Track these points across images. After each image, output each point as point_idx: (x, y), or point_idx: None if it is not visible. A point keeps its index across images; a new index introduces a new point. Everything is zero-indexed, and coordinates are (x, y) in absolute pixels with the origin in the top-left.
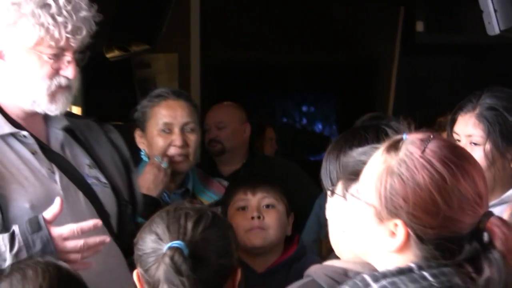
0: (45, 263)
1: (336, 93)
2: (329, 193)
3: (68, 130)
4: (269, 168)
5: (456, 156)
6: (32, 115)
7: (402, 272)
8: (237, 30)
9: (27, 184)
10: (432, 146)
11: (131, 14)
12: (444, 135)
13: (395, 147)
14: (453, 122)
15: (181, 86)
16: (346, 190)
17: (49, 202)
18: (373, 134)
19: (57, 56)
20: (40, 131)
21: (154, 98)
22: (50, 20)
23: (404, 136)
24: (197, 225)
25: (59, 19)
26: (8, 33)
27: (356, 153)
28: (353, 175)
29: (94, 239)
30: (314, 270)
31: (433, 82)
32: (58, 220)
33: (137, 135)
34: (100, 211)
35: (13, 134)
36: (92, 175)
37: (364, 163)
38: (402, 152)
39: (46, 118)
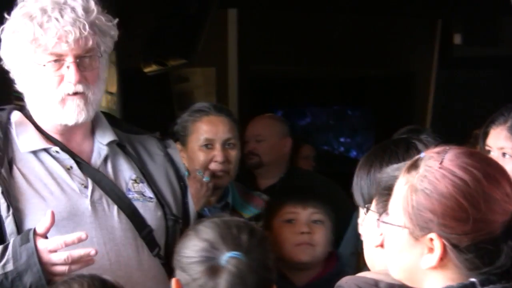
0: (90, 277)
1: (373, 107)
2: (364, 209)
3: (119, 145)
4: (307, 183)
5: (475, 161)
6: (71, 131)
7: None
8: (275, 44)
9: (51, 199)
10: (449, 156)
11: (168, 29)
12: (478, 148)
13: (415, 166)
14: (485, 135)
15: (219, 100)
16: (380, 206)
17: (72, 216)
18: (404, 149)
19: (58, 63)
20: (81, 146)
21: (195, 113)
22: (38, 29)
23: (422, 154)
24: (252, 237)
25: (45, 25)
26: (13, 53)
27: (390, 169)
28: (386, 191)
29: (78, 252)
30: (345, 281)
31: (471, 94)
32: (85, 231)
33: (172, 145)
34: (140, 226)
35: (45, 150)
36: (135, 189)
37: (397, 178)
38: (422, 169)
39: (92, 133)
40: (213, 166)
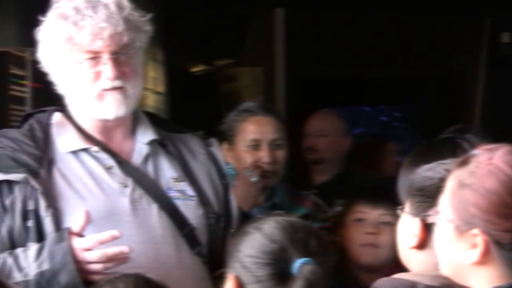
0: (135, 276)
1: (420, 106)
2: (398, 210)
3: (160, 143)
4: (358, 181)
5: None
6: (112, 130)
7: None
8: (322, 44)
9: (90, 198)
10: (499, 153)
11: (215, 29)
12: None
13: (465, 162)
14: None
15: (266, 100)
16: (414, 208)
17: (111, 216)
18: (449, 148)
19: (94, 60)
20: (121, 145)
21: (243, 113)
22: (72, 28)
23: (475, 151)
24: (319, 242)
25: (80, 24)
26: (50, 53)
27: (422, 170)
28: (419, 192)
29: (113, 250)
30: (382, 283)
31: None
32: (122, 231)
33: (224, 149)
34: (180, 224)
35: (85, 150)
36: (177, 188)
37: (430, 179)
38: (471, 165)
39: (133, 132)
40: (259, 165)
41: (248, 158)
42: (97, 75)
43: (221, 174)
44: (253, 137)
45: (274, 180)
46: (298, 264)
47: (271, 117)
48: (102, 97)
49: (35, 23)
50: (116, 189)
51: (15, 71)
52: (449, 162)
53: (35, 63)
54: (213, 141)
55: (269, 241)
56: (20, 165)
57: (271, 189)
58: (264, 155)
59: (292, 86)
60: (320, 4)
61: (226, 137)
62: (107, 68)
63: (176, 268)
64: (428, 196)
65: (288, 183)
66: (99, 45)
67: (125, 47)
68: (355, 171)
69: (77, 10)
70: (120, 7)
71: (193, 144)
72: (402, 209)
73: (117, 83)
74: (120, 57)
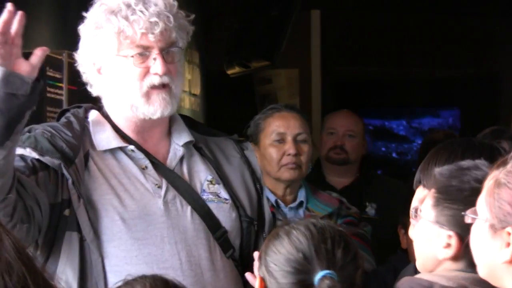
0: (152, 277)
1: (458, 106)
2: (412, 213)
3: (195, 146)
4: (386, 186)
5: None
6: (148, 130)
7: None
8: (357, 45)
9: (124, 197)
10: None
11: (251, 31)
12: None
13: (504, 162)
14: None
15: (302, 101)
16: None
17: (144, 216)
18: (487, 153)
19: (143, 56)
20: (157, 146)
21: (267, 111)
22: (123, 22)
23: None
24: (346, 253)
25: (131, 18)
26: (97, 48)
27: (455, 180)
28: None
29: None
30: (402, 283)
31: None
32: (154, 233)
33: (251, 147)
34: (213, 226)
35: (121, 148)
36: (211, 191)
37: (462, 190)
38: (509, 165)
39: (169, 134)
40: (285, 159)
41: (273, 153)
42: (146, 70)
43: (255, 178)
44: (278, 131)
45: (299, 175)
46: (320, 277)
47: (295, 113)
48: (149, 95)
49: (72, 26)
50: (150, 190)
51: (51, 73)
52: (484, 170)
53: (71, 65)
54: (248, 145)
55: (295, 249)
56: (56, 150)
57: (298, 188)
58: (288, 147)
59: (327, 87)
60: (355, 5)
61: (252, 137)
62: (157, 63)
63: (208, 270)
64: (459, 206)
65: (309, 182)
66: (150, 40)
67: (173, 44)
68: (374, 175)
69: (128, 5)
70: (169, 4)
71: (228, 148)
72: (415, 212)
73: (165, 79)
74: (168, 54)
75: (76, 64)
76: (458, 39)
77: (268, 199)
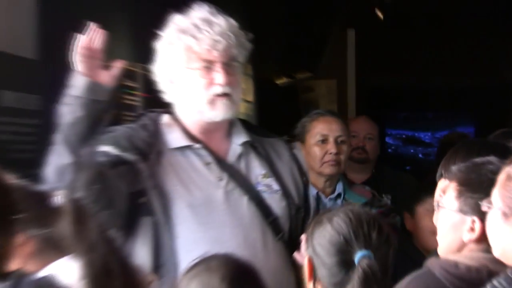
0: (224, 256)
1: (474, 114)
2: (436, 205)
3: (251, 145)
4: (396, 180)
5: None
6: (212, 131)
7: None
8: (388, 59)
9: (191, 187)
10: None
11: (296, 47)
12: None
13: None
14: None
15: (340, 107)
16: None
17: (208, 203)
18: (500, 151)
19: (208, 69)
20: (219, 145)
21: (313, 115)
22: (191, 40)
23: None
24: (380, 235)
25: (198, 36)
26: (169, 62)
27: (474, 173)
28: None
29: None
30: (431, 262)
31: None
32: (217, 218)
33: (297, 146)
34: (265, 213)
35: (189, 147)
36: (264, 183)
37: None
38: None
39: (229, 135)
40: (327, 157)
41: (317, 151)
42: (210, 81)
43: (302, 172)
44: (322, 133)
45: (338, 170)
46: (359, 256)
47: (337, 118)
48: (213, 102)
49: (145, 43)
50: (213, 182)
51: (127, 83)
52: (497, 164)
53: (144, 76)
54: (296, 144)
55: (336, 233)
56: (133, 148)
57: (336, 182)
58: (330, 147)
59: (361, 95)
60: (384, 24)
61: (299, 137)
62: (219, 76)
63: (261, 251)
64: (480, 195)
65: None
66: (214, 55)
67: (233, 59)
68: (389, 171)
69: (196, 25)
70: (230, 25)
71: (279, 147)
72: (438, 204)
73: (226, 89)
74: (229, 67)
75: (148, 75)
76: (475, 51)
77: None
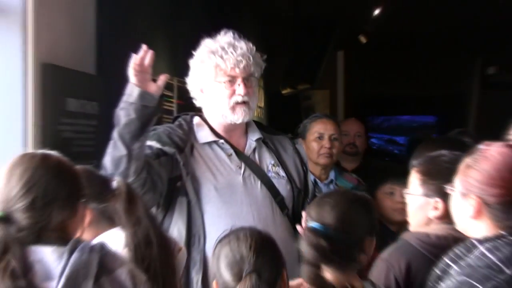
0: (250, 229)
1: (436, 117)
2: (406, 192)
3: (263, 141)
4: (380, 168)
5: (508, 150)
6: (232, 130)
7: (498, 237)
8: (369, 74)
9: (217, 173)
10: (494, 146)
11: (298, 64)
12: None
13: (473, 151)
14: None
15: (331, 112)
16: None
17: (230, 186)
18: (458, 145)
19: (231, 82)
20: (238, 141)
21: (313, 117)
22: (219, 59)
23: (480, 145)
24: (333, 210)
25: (224, 57)
26: (200, 76)
27: (443, 162)
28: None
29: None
30: (406, 236)
31: (502, 111)
32: (236, 198)
33: (300, 142)
34: (274, 194)
35: (215, 142)
36: (273, 171)
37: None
38: (476, 153)
39: (246, 133)
40: (322, 151)
41: (315, 146)
42: (232, 92)
43: (302, 163)
44: (319, 132)
45: (331, 162)
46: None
47: (331, 120)
48: (234, 108)
49: (180, 60)
50: (234, 169)
51: (166, 92)
52: (449, 156)
53: (179, 87)
54: (298, 141)
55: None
56: (172, 142)
57: (329, 170)
58: (326, 143)
59: (348, 103)
60: (367, 47)
61: (301, 135)
62: (240, 88)
63: (271, 224)
64: (439, 181)
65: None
66: (236, 71)
67: (251, 75)
68: (374, 160)
69: (222, 48)
70: (250, 48)
71: (284, 142)
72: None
73: (245, 98)
74: (248, 81)
75: (183, 86)
76: (436, 70)
77: None
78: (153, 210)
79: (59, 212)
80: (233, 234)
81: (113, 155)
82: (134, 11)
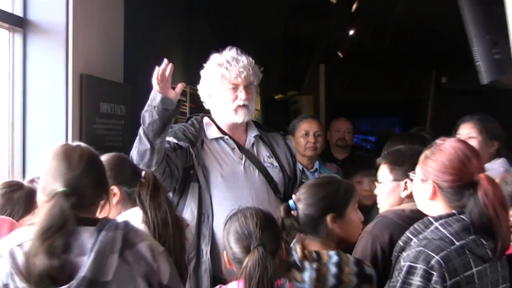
0: (254, 208)
1: (400, 118)
2: (378, 179)
3: (260, 137)
4: (362, 159)
5: (459, 144)
6: (235, 128)
7: (450, 215)
8: (347, 83)
9: (223, 163)
10: (449, 141)
11: (288, 75)
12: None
13: (432, 145)
14: (457, 129)
15: (315, 114)
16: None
17: (233, 174)
18: (419, 139)
19: (234, 89)
20: (240, 137)
21: (300, 118)
22: (225, 70)
23: (438, 140)
24: (335, 184)
25: (229, 68)
26: (209, 84)
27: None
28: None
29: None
30: (383, 213)
31: (453, 113)
32: (239, 183)
33: (289, 138)
34: (269, 180)
35: (221, 138)
36: (268, 161)
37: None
38: (433, 146)
39: (246, 130)
40: (308, 145)
41: (302, 142)
42: (235, 97)
43: (292, 155)
44: (305, 129)
45: (316, 153)
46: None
47: (316, 120)
48: (237, 110)
49: (191, 70)
50: (236, 160)
51: (181, 98)
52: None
53: (191, 93)
54: (289, 137)
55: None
56: (186, 138)
57: (314, 161)
58: (311, 139)
59: (329, 106)
60: (342, 62)
61: (291, 132)
62: (242, 94)
63: (267, 205)
64: (405, 167)
65: (322, 157)
66: (239, 81)
67: (251, 83)
68: (359, 153)
69: (227, 61)
70: (250, 62)
71: (277, 138)
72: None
73: (246, 102)
74: (248, 88)
75: (194, 92)
76: (400, 81)
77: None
78: (170, 194)
79: (102, 193)
80: (240, 213)
81: (139, 149)
82: (155, 31)
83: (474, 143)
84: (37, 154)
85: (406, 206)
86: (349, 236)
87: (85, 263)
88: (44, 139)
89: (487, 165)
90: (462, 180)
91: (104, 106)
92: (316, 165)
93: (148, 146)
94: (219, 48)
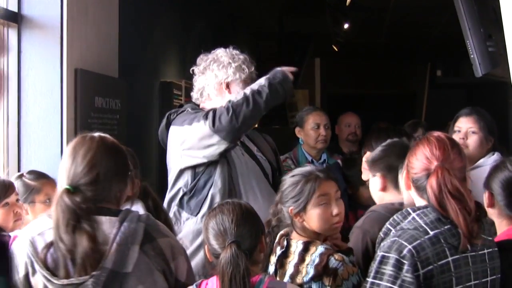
0: (232, 203)
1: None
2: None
3: (247, 136)
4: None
5: (439, 137)
6: None
7: (427, 206)
8: (341, 77)
9: (235, 156)
10: (432, 134)
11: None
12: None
13: (418, 139)
14: (455, 121)
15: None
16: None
17: (240, 164)
18: (402, 135)
19: (232, 83)
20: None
21: (308, 110)
22: (234, 70)
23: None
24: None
25: (225, 64)
26: (207, 79)
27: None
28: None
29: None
30: (374, 207)
31: (446, 105)
32: (245, 167)
33: (297, 130)
34: (263, 170)
35: None
36: (259, 155)
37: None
38: (419, 140)
39: None
40: (320, 138)
41: (313, 134)
42: (229, 91)
43: (274, 151)
44: (316, 122)
45: (325, 146)
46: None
47: (323, 112)
48: None
49: (187, 65)
50: (241, 154)
51: (176, 91)
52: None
53: (186, 88)
54: (267, 135)
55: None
56: None
57: (322, 152)
58: (322, 131)
59: (324, 100)
60: (337, 56)
61: (299, 124)
62: (239, 87)
63: (267, 193)
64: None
65: (329, 150)
66: (236, 76)
67: (248, 78)
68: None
69: (224, 57)
70: (245, 58)
71: (263, 137)
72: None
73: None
74: (245, 83)
75: (189, 86)
76: (393, 74)
77: (306, 157)
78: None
79: (116, 185)
80: (219, 208)
81: (253, 114)
82: (150, 27)
83: (475, 138)
84: (32, 149)
85: (396, 199)
86: (317, 229)
87: (107, 253)
88: (39, 134)
89: (482, 161)
90: (424, 170)
91: (99, 100)
92: (324, 156)
93: (263, 113)
94: (215, 44)
